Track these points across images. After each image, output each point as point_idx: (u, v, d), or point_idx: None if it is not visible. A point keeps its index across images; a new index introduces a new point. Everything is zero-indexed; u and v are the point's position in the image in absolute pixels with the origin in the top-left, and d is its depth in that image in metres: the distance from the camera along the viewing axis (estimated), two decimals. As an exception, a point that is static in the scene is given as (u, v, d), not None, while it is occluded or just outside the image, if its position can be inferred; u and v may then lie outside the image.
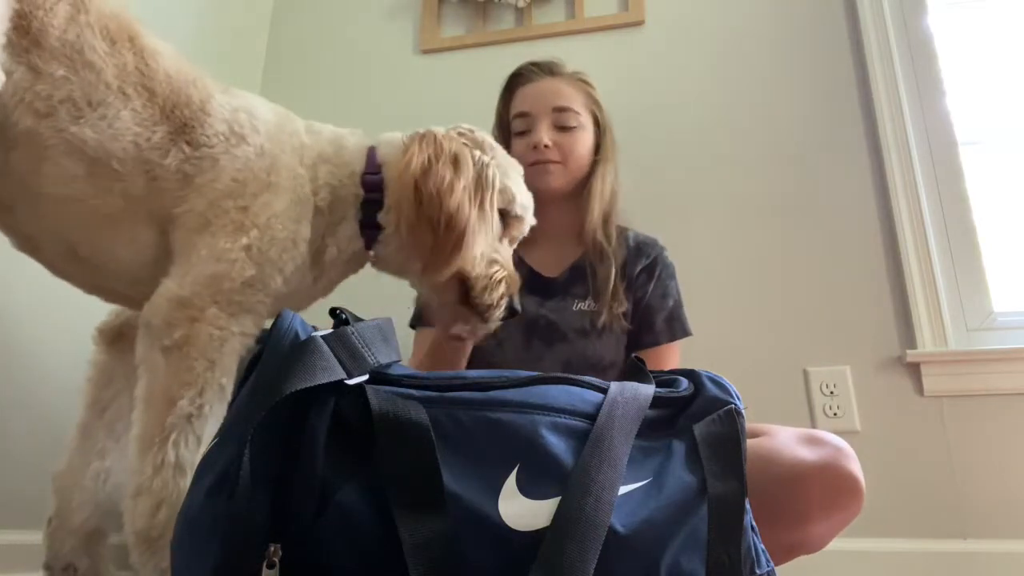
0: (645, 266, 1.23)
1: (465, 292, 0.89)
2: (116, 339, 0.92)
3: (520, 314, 0.95)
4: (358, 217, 0.87)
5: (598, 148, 1.25)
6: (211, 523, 0.48)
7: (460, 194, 0.83)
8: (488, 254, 0.89)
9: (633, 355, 0.73)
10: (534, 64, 1.27)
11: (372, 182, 0.87)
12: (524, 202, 0.96)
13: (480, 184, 0.87)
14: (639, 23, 1.86)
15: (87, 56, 0.71)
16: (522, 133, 1.22)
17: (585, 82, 1.26)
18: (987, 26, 1.75)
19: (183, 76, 0.79)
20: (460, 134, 0.92)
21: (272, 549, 0.47)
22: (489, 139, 0.95)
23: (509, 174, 0.94)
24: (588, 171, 1.23)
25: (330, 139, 0.89)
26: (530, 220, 0.99)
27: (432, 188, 0.82)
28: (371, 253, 0.91)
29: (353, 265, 0.93)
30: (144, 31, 0.78)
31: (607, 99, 1.72)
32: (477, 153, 0.89)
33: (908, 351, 1.46)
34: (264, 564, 0.46)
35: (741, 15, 1.81)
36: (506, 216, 0.93)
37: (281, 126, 0.84)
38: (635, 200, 1.65)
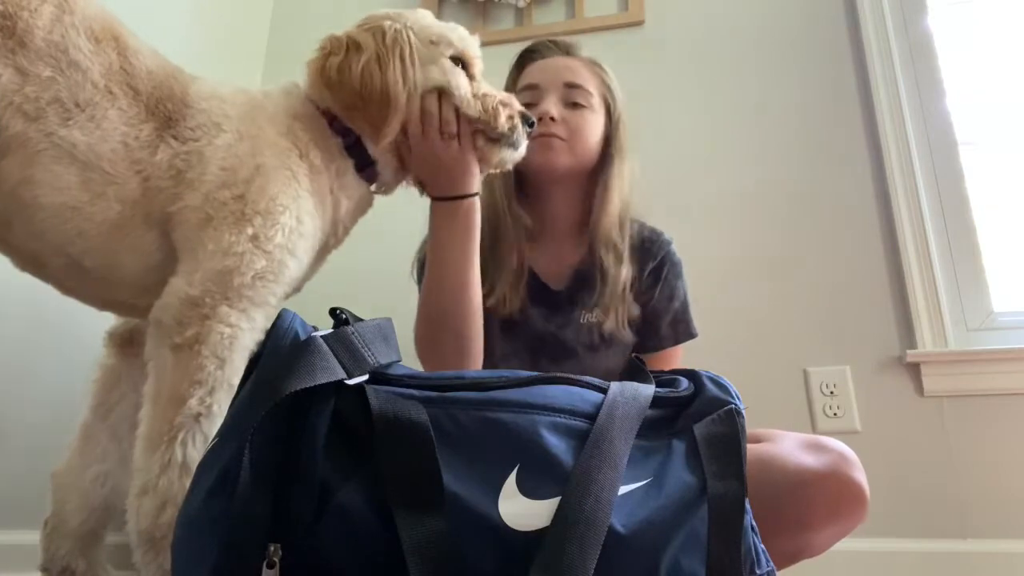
0: (652, 268, 1.16)
1: (481, 134, 0.94)
2: (126, 343, 0.91)
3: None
4: (351, 163, 0.88)
5: (609, 141, 1.17)
6: (211, 523, 0.48)
7: (360, 67, 0.84)
8: (464, 91, 0.92)
9: (633, 355, 0.73)
10: (551, 41, 1.21)
11: (340, 128, 0.88)
12: (461, 34, 0.95)
13: (396, 43, 0.87)
14: (639, 23, 1.86)
15: (73, 56, 0.71)
16: (527, 106, 1.09)
17: (601, 67, 1.19)
18: (987, 26, 1.75)
19: (164, 71, 0.79)
20: (360, 24, 0.92)
21: (272, 549, 0.47)
22: (390, 12, 0.93)
23: (431, 25, 0.93)
24: (597, 162, 1.15)
25: (283, 95, 0.89)
26: (475, 43, 0.97)
27: (335, 78, 0.84)
28: (373, 188, 0.94)
29: (363, 207, 0.94)
30: (126, 30, 0.78)
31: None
32: (387, 24, 0.89)
33: (908, 351, 1.46)
34: (264, 564, 0.46)
35: (741, 15, 1.81)
36: (462, 59, 0.93)
37: (250, 104, 0.84)
38: (633, 199, 1.65)
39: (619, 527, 0.49)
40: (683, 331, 1.18)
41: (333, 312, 0.62)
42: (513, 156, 0.96)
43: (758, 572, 0.54)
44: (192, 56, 0.82)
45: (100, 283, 0.79)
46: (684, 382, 0.64)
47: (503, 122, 0.92)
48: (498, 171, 1.02)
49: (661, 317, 1.16)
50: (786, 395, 1.52)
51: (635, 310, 1.13)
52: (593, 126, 1.14)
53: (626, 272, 1.12)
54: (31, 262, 0.78)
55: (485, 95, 0.93)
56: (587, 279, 1.13)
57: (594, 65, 1.18)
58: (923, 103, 1.64)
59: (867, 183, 1.61)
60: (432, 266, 0.98)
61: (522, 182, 1.17)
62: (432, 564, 0.46)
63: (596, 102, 1.14)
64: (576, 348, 1.11)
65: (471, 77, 0.94)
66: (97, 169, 0.72)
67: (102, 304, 0.85)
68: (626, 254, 1.13)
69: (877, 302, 1.53)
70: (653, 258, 1.16)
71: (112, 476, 0.87)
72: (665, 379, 0.66)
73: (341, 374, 0.53)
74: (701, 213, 1.68)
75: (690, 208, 1.69)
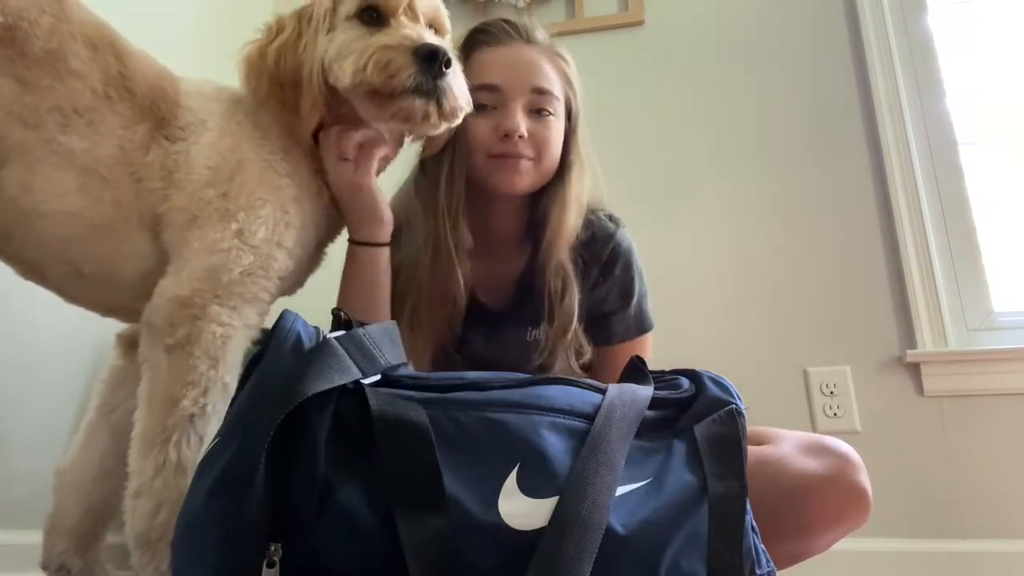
0: (599, 271, 1.05)
1: (374, 95, 0.78)
2: (134, 345, 0.91)
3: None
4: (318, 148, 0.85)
5: (567, 146, 1.02)
6: (212, 523, 0.48)
7: (276, 48, 0.80)
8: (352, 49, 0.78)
9: (633, 356, 0.73)
10: (507, 22, 1.03)
11: None
12: None
13: (309, 23, 0.81)
14: (639, 23, 1.86)
15: (71, 64, 0.71)
16: (483, 107, 0.95)
17: (563, 58, 1.04)
18: (987, 26, 1.75)
19: (156, 72, 0.79)
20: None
21: (272, 549, 0.47)
22: None
23: None
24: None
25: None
26: None
27: (256, 63, 0.80)
28: None
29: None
30: (121, 36, 0.78)
31: (607, 99, 1.73)
32: (310, 7, 0.83)
33: (908, 351, 1.46)
34: (264, 564, 0.46)
35: (741, 15, 1.81)
36: (375, 4, 0.80)
37: (230, 99, 0.83)
38: (634, 200, 1.66)
39: (618, 527, 0.50)
40: (635, 327, 1.08)
41: (335, 312, 0.62)
42: (432, 106, 0.77)
43: (758, 572, 0.54)
44: (191, 58, 0.82)
45: (100, 289, 0.78)
46: (685, 382, 0.64)
47: (371, 74, 0.75)
48: (443, 130, 0.85)
49: (614, 315, 1.07)
50: (786, 395, 1.52)
51: (587, 353, 1.04)
52: (558, 135, 1.01)
53: (574, 298, 1.01)
54: (33, 271, 0.78)
55: (367, 47, 0.76)
56: (530, 292, 1.02)
57: (557, 56, 1.03)
58: (923, 103, 1.64)
59: (867, 183, 1.61)
60: (340, 289, 0.93)
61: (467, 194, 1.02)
62: (432, 564, 0.46)
63: (560, 107, 1.01)
64: (524, 369, 0.97)
65: (383, 23, 0.79)
66: (94, 174, 0.72)
67: (104, 310, 0.85)
68: (573, 278, 1.01)
69: (877, 302, 1.54)
70: (598, 260, 1.05)
71: (112, 475, 0.87)
72: (666, 380, 0.66)
73: (356, 374, 0.53)
74: (701, 213, 1.68)
75: (690, 208, 1.69)
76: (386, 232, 0.91)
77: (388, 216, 0.91)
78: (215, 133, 0.78)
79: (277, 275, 0.78)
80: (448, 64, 0.77)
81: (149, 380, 0.72)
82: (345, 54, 0.77)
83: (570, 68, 1.04)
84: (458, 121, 0.84)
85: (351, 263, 0.92)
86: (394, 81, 0.75)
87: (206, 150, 0.77)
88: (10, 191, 0.70)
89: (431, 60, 0.75)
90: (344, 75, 0.77)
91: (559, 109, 1.01)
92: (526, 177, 0.98)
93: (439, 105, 0.78)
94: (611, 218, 1.08)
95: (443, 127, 0.83)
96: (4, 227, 0.73)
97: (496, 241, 1.05)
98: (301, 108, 0.80)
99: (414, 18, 0.80)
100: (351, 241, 0.91)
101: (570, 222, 1.00)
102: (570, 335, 1.01)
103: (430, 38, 0.77)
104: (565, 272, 1.00)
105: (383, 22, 0.79)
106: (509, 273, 1.06)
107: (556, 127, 1.00)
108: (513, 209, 1.04)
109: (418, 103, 0.76)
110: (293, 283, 0.87)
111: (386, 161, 0.92)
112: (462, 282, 0.98)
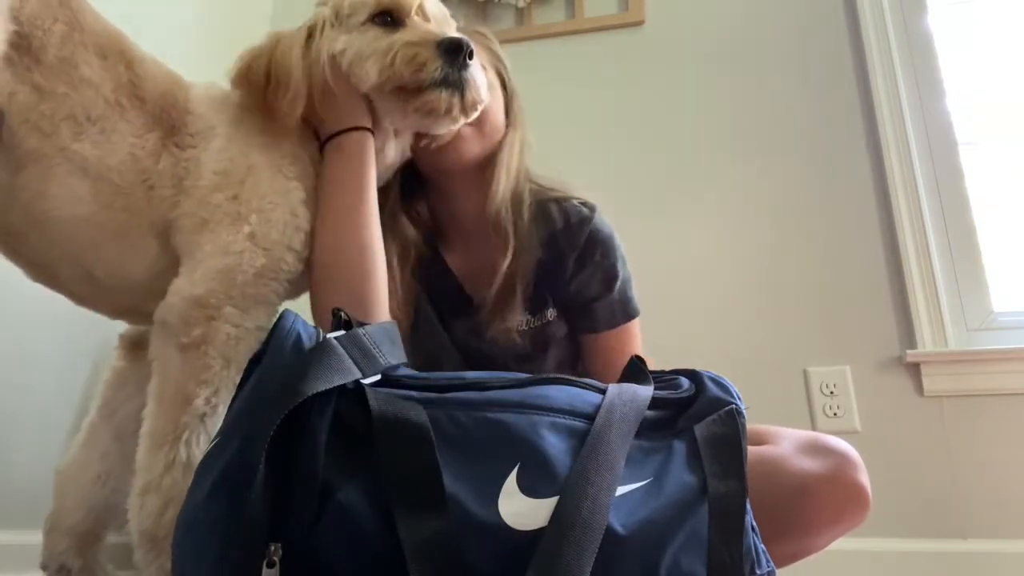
0: (576, 256, 1.02)
1: (400, 91, 0.80)
2: (136, 346, 0.92)
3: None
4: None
5: (507, 114, 1.05)
6: (211, 523, 0.48)
7: (277, 53, 0.81)
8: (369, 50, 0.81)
9: (633, 355, 0.73)
10: None
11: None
12: None
13: (315, 27, 0.83)
14: (639, 23, 1.86)
15: (84, 72, 0.72)
16: None
17: (486, 36, 1.07)
18: (987, 26, 1.75)
19: (167, 79, 0.80)
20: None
21: (272, 549, 0.47)
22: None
23: None
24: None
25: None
26: None
27: (244, 74, 0.81)
28: None
29: None
30: (132, 43, 0.78)
31: (607, 99, 1.73)
32: (318, 10, 0.86)
33: (908, 351, 1.46)
34: (264, 564, 0.46)
35: (741, 15, 1.81)
36: (390, 9, 0.82)
37: (238, 105, 0.84)
38: (634, 199, 1.66)
39: (618, 527, 0.50)
40: (621, 313, 1.06)
41: (335, 312, 0.63)
42: (456, 98, 0.80)
43: (758, 572, 0.54)
44: (192, 59, 0.82)
45: (112, 292, 0.79)
46: (685, 382, 0.64)
47: (399, 69, 0.78)
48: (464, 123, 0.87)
49: (597, 300, 1.04)
50: (786, 395, 1.52)
51: (551, 313, 1.03)
52: (497, 104, 1.01)
53: (522, 260, 0.98)
54: (45, 273, 0.79)
55: (390, 44, 0.79)
56: (515, 288, 1.01)
57: (478, 35, 1.04)
58: (923, 103, 1.64)
59: (867, 183, 1.61)
60: (322, 205, 0.84)
61: (419, 181, 1.05)
62: (432, 564, 0.46)
63: (492, 76, 1.02)
64: (508, 362, 1.03)
65: (399, 24, 0.82)
66: (107, 181, 0.73)
67: (115, 312, 0.85)
68: (523, 237, 0.99)
69: (877, 302, 1.53)
70: (574, 247, 1.02)
71: (113, 476, 0.87)
72: (666, 380, 0.66)
73: (356, 374, 0.54)
74: (701, 212, 1.68)
75: (689, 208, 1.69)
76: (363, 111, 0.85)
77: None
78: (224, 139, 0.79)
79: (287, 277, 0.79)
80: (471, 56, 0.80)
81: (160, 378, 0.73)
82: (367, 55, 0.80)
83: (492, 42, 1.07)
84: (475, 115, 0.86)
85: (340, 156, 0.84)
86: (422, 74, 0.78)
87: (215, 156, 0.78)
88: (25, 196, 0.71)
89: (456, 52, 0.78)
90: (369, 75, 0.80)
91: (492, 79, 1.01)
92: (472, 145, 0.99)
93: (462, 97, 0.81)
94: (585, 204, 1.06)
95: (462, 121, 0.86)
96: (19, 230, 0.74)
97: (472, 227, 1.05)
98: (280, 104, 0.80)
99: (425, 19, 0.83)
100: (331, 137, 0.85)
101: (501, 183, 0.99)
102: (507, 303, 0.99)
103: (451, 32, 0.80)
104: (507, 235, 0.98)
105: (398, 24, 0.82)
106: (494, 263, 1.02)
107: (494, 96, 1.00)
108: (469, 187, 1.02)
109: (443, 95, 0.79)
110: (300, 286, 0.87)
111: (389, 169, 0.94)
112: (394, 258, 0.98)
